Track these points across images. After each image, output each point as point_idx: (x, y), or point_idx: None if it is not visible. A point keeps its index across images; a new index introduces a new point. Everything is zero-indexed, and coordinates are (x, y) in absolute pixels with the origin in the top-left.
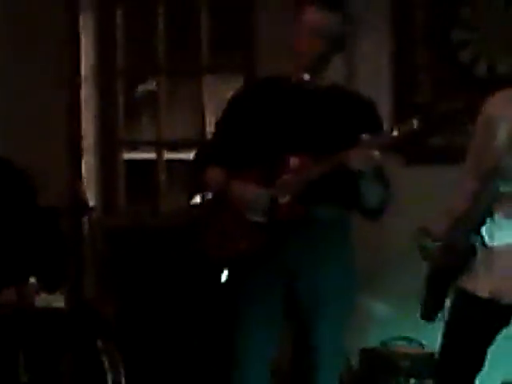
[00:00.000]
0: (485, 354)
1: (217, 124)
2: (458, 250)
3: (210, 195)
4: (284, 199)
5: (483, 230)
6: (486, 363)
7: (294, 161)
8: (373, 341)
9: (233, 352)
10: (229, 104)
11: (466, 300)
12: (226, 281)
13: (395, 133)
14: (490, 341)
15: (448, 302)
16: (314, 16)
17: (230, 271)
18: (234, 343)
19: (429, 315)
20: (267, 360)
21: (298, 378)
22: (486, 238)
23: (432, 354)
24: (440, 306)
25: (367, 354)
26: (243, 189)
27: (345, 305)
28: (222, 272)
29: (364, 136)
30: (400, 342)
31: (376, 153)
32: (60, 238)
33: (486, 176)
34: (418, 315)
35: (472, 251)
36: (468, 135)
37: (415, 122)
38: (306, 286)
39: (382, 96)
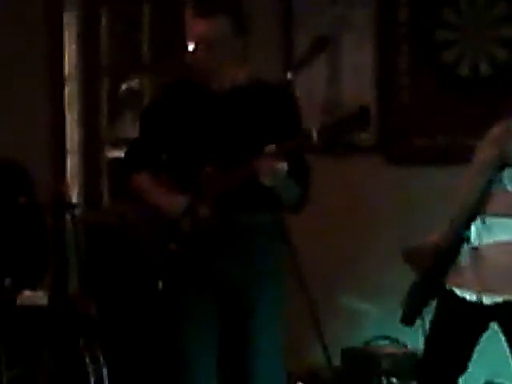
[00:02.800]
0: (469, 355)
1: (140, 121)
2: (448, 250)
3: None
4: (202, 209)
5: (471, 230)
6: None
7: (207, 171)
8: (355, 341)
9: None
10: (148, 106)
11: (451, 300)
12: (162, 291)
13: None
14: (474, 342)
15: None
16: (193, 22)
17: (164, 277)
18: (176, 347)
19: (411, 319)
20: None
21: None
22: (474, 238)
23: (414, 354)
24: (421, 310)
25: (349, 354)
26: (164, 201)
27: (275, 304)
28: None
29: (267, 147)
30: (382, 342)
31: (281, 165)
32: (42, 234)
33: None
34: (399, 315)
35: (459, 250)
36: (452, 136)
37: (314, 130)
38: (234, 288)
39: (364, 96)
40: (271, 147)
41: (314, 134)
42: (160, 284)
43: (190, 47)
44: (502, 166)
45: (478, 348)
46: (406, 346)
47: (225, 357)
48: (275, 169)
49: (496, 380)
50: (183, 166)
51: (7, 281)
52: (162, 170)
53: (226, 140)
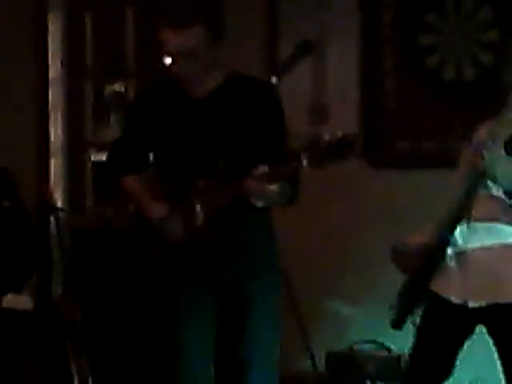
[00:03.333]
0: (454, 359)
1: (125, 121)
2: (434, 252)
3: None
4: (197, 222)
5: (457, 233)
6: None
7: (200, 184)
8: (340, 344)
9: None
10: (130, 110)
11: (437, 304)
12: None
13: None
14: (460, 345)
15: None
16: (168, 35)
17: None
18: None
19: (398, 323)
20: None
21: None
22: (460, 241)
23: (399, 358)
24: (408, 314)
25: (334, 358)
26: (149, 208)
27: (273, 293)
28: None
29: (259, 169)
30: (367, 346)
31: (274, 188)
32: (26, 237)
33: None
34: (385, 319)
35: (444, 254)
36: (437, 140)
37: (304, 160)
38: (231, 287)
39: (349, 100)
40: (263, 170)
41: (304, 161)
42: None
43: (167, 61)
44: None
45: (462, 351)
46: (390, 350)
47: (222, 351)
48: (267, 192)
49: (481, 383)
50: (168, 167)
51: None
52: (147, 170)
53: (212, 144)
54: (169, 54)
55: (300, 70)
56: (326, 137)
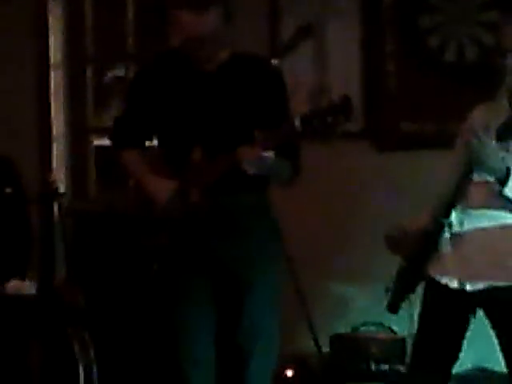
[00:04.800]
0: (460, 343)
1: (127, 97)
2: (430, 236)
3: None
4: (193, 196)
5: (452, 217)
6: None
7: (194, 159)
8: (343, 327)
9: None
10: (134, 81)
11: (435, 289)
12: (157, 273)
13: (287, 129)
14: (462, 329)
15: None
16: (184, 17)
17: (159, 263)
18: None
19: (394, 307)
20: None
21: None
22: (455, 224)
23: (403, 340)
24: (404, 297)
25: (338, 340)
26: (153, 185)
27: (270, 285)
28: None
29: (256, 134)
30: (371, 328)
31: (268, 154)
32: (25, 223)
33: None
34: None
35: (440, 236)
36: (440, 121)
37: (297, 121)
38: (229, 269)
39: (351, 82)
40: (258, 135)
41: (297, 123)
42: (155, 266)
43: (180, 41)
44: None
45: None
46: (394, 332)
47: (222, 336)
48: (261, 158)
49: (483, 365)
50: (172, 142)
51: None
52: (151, 147)
53: (215, 118)
54: (185, 36)
55: (301, 52)
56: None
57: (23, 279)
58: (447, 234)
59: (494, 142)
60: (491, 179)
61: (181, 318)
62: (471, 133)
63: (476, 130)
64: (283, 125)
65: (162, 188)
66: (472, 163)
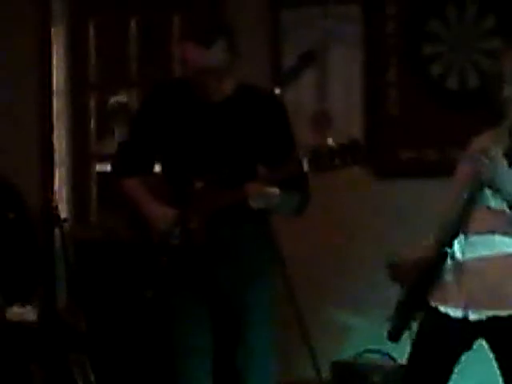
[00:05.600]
0: (451, 371)
1: (132, 126)
2: (432, 265)
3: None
4: (193, 224)
5: (455, 245)
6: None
7: (198, 188)
8: (345, 354)
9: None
10: (140, 111)
11: (434, 317)
12: (152, 299)
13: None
14: (456, 359)
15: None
16: (191, 52)
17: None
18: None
19: (395, 336)
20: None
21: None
22: (458, 253)
23: (403, 367)
24: (406, 327)
25: (339, 367)
26: (154, 212)
27: (266, 306)
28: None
29: (261, 170)
30: (372, 355)
31: (273, 190)
32: (31, 249)
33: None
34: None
35: (443, 265)
36: (440, 149)
37: (305, 161)
38: (226, 294)
39: (353, 109)
40: (264, 173)
41: (306, 165)
42: (149, 292)
43: (185, 71)
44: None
45: (464, 358)
46: (395, 360)
47: (219, 357)
48: (267, 194)
49: None
50: (175, 171)
51: None
52: (153, 174)
53: (219, 149)
54: (191, 67)
55: (303, 79)
56: (330, 142)
57: (26, 304)
58: (449, 263)
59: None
60: (495, 205)
61: (179, 343)
62: (483, 154)
63: (487, 151)
64: (289, 162)
65: (162, 214)
66: (480, 187)
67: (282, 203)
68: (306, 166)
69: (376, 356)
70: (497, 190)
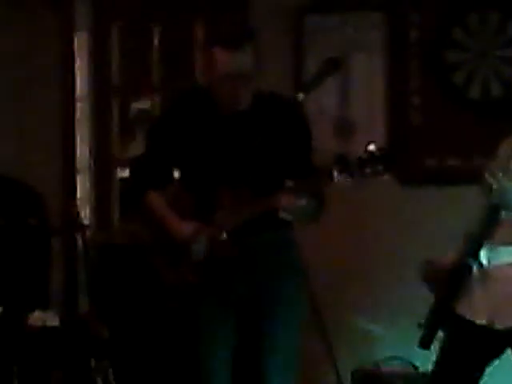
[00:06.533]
0: (478, 378)
1: (150, 137)
2: (458, 275)
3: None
4: (221, 237)
5: (481, 254)
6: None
7: (224, 195)
8: (365, 361)
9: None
10: (159, 121)
11: (461, 326)
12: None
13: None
14: (483, 368)
15: None
16: (223, 56)
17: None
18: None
19: (427, 343)
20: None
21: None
22: (484, 262)
23: (425, 375)
24: (436, 334)
25: (360, 375)
26: (181, 231)
27: (297, 313)
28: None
29: (291, 183)
30: (393, 363)
31: (301, 202)
32: (48, 255)
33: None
34: (411, 336)
35: (469, 274)
36: (463, 157)
37: (336, 173)
38: (254, 309)
39: (375, 118)
40: (291, 185)
41: (336, 175)
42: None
43: (210, 80)
44: None
45: (491, 370)
46: (416, 367)
47: (241, 369)
48: (295, 205)
49: None
50: (197, 182)
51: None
52: (172, 186)
53: (243, 160)
54: (224, 75)
55: (326, 86)
56: (371, 148)
57: (45, 310)
58: (475, 273)
59: None
60: None
61: (203, 356)
62: (491, 176)
63: (496, 174)
64: (320, 174)
65: (183, 228)
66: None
67: (304, 213)
68: (335, 175)
69: (397, 363)
70: (507, 207)
